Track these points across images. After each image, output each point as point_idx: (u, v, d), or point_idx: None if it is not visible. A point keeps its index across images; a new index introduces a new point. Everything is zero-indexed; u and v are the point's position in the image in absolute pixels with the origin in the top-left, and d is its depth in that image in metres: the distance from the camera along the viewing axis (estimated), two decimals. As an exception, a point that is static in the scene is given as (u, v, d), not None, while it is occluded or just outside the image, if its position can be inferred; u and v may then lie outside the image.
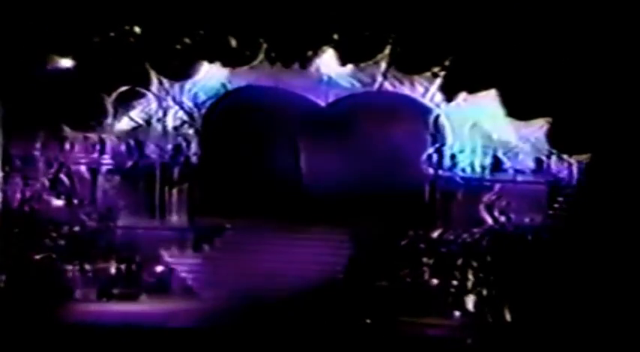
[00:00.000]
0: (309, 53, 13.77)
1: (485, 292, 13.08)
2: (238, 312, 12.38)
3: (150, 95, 14.22)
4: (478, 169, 14.11)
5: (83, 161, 14.26)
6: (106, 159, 14.28)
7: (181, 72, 14.02)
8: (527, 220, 13.85)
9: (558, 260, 12.99)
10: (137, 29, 13.60)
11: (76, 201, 14.13)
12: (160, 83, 14.19)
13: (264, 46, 13.68)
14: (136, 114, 14.30)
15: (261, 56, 13.75)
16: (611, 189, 13.08)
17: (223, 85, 14.24)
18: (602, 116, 13.18)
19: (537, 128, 13.83)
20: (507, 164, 14.08)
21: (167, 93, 14.24)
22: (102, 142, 14.26)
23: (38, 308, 12.50)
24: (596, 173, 13.32)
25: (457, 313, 13.14)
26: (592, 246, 12.85)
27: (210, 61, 13.91)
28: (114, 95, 14.11)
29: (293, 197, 14.34)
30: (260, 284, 13.15)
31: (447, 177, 14.15)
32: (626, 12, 12.76)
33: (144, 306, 13.29)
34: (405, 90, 14.09)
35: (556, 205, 13.79)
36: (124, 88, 14.06)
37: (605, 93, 13.11)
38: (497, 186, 14.12)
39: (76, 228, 13.88)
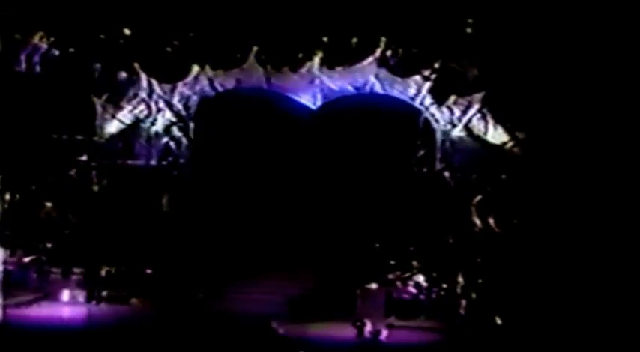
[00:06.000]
0: (300, 56, 13.80)
1: (475, 295, 13.10)
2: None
3: (140, 97, 14.24)
4: (468, 171, 14.13)
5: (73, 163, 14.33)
6: (96, 161, 14.32)
7: (172, 74, 14.05)
8: (516, 221, 13.87)
9: (548, 261, 13.02)
10: (127, 31, 13.67)
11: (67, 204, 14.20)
12: (150, 85, 14.20)
13: (255, 48, 13.72)
14: (126, 115, 14.33)
15: (251, 59, 13.79)
16: (602, 193, 13.12)
17: (213, 88, 14.25)
18: (594, 119, 13.22)
19: (527, 130, 13.86)
20: (497, 166, 14.10)
21: (157, 95, 14.25)
22: (92, 144, 14.31)
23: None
24: (588, 176, 13.34)
25: (448, 315, 13.15)
26: (582, 247, 12.89)
27: (201, 64, 13.95)
28: (104, 97, 14.16)
29: (284, 197, 14.40)
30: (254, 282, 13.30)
31: (436, 178, 14.18)
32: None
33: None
34: (395, 92, 14.11)
35: (546, 207, 13.79)
36: (113, 90, 14.11)
37: (596, 97, 13.17)
38: (487, 188, 14.15)
39: (67, 231, 13.93)
